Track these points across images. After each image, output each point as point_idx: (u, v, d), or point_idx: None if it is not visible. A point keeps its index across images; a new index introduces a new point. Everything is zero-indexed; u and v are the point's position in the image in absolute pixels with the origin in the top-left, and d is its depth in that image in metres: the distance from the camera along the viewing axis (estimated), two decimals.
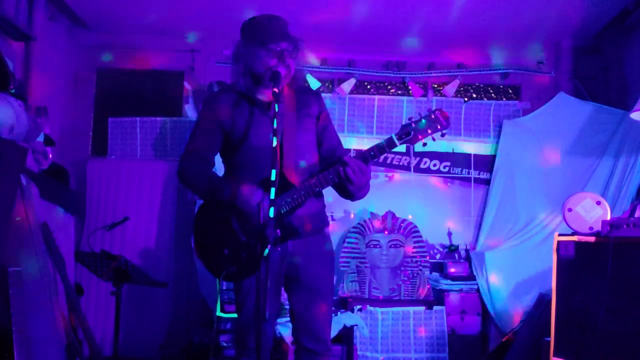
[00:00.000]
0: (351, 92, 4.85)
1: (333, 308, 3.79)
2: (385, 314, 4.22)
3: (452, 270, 4.44)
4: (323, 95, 2.75)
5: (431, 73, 4.90)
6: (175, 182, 4.49)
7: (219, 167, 2.40)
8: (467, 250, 4.65)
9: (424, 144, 2.08)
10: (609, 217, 2.85)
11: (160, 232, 4.55)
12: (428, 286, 4.41)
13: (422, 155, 4.83)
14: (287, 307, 2.33)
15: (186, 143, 2.34)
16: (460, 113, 4.86)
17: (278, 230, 2.06)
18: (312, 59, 4.86)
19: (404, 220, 4.54)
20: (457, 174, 4.85)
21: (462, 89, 4.96)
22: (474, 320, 4.33)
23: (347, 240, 4.53)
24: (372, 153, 2.08)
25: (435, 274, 4.57)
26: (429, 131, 2.05)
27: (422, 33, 4.60)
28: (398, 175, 4.83)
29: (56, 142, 3.53)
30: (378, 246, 4.47)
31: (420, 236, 4.52)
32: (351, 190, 2.14)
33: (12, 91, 2.61)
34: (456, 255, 4.67)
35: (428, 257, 4.54)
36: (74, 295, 2.99)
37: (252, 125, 2.22)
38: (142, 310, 4.36)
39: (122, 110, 4.85)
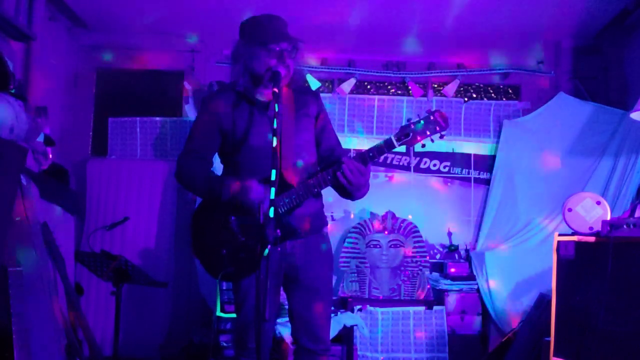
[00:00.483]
0: (351, 92, 4.85)
1: (333, 308, 3.80)
2: (385, 314, 4.22)
3: (452, 270, 4.44)
4: (323, 95, 2.76)
5: (431, 73, 4.90)
6: (175, 182, 4.48)
7: (218, 167, 2.41)
8: (467, 250, 4.65)
9: (423, 145, 2.08)
10: (609, 217, 2.85)
11: (160, 232, 4.55)
12: (428, 286, 4.41)
13: (422, 155, 4.83)
14: (287, 307, 2.33)
15: (184, 142, 2.34)
16: (460, 113, 4.86)
17: (278, 230, 2.07)
18: (312, 60, 4.86)
19: (404, 220, 4.54)
20: (457, 174, 4.85)
21: (462, 89, 4.95)
22: (474, 320, 4.33)
23: (347, 240, 4.53)
24: (370, 154, 2.09)
25: (435, 274, 4.57)
26: (428, 132, 2.05)
27: (422, 33, 4.60)
28: (398, 175, 4.83)
29: (56, 142, 3.53)
30: (378, 246, 4.47)
31: (420, 236, 4.52)
32: (350, 190, 2.15)
33: (12, 91, 2.61)
34: (456, 255, 4.67)
35: (428, 257, 4.54)
36: (74, 295, 2.99)
37: (252, 125, 2.22)
38: (142, 310, 4.36)
39: (122, 110, 4.84)
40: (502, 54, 4.88)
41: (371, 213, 4.56)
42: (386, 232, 4.49)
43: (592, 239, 2.83)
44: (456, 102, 4.88)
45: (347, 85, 4.80)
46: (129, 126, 4.80)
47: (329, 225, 2.41)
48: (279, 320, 3.62)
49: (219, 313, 3.98)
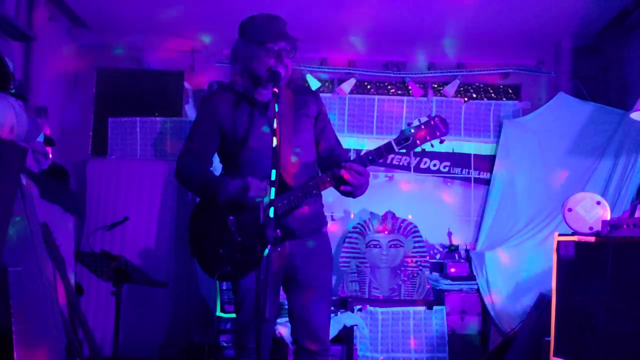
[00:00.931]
0: (351, 92, 4.84)
1: (333, 308, 3.80)
2: (385, 314, 4.22)
3: (452, 270, 4.44)
4: (323, 95, 2.75)
5: (431, 73, 4.90)
6: (175, 182, 4.48)
7: (217, 167, 2.41)
8: (467, 250, 4.65)
9: (422, 150, 2.09)
10: (609, 217, 2.85)
11: (160, 232, 4.55)
12: (428, 286, 4.41)
13: (422, 155, 4.82)
14: (287, 307, 2.33)
15: (184, 142, 2.34)
16: (460, 113, 4.86)
17: (278, 231, 2.07)
18: (312, 60, 4.85)
19: (404, 220, 4.54)
20: (457, 174, 4.85)
21: (462, 89, 4.95)
22: (474, 320, 4.33)
23: (347, 240, 4.53)
24: (370, 157, 2.10)
25: (435, 274, 4.57)
26: (428, 137, 2.06)
27: (422, 33, 4.60)
28: (398, 175, 4.83)
29: (56, 142, 3.53)
30: (378, 246, 4.47)
31: (420, 236, 4.52)
32: (349, 190, 2.16)
33: (12, 91, 2.61)
34: (456, 255, 4.67)
35: (428, 257, 4.54)
36: (74, 295, 2.99)
37: (251, 125, 2.22)
38: (142, 310, 4.36)
39: (122, 110, 4.85)
40: (502, 54, 4.88)
41: (371, 213, 4.56)
42: (386, 232, 4.49)
43: (592, 239, 2.83)
44: (456, 102, 4.88)
45: (347, 85, 4.80)
46: (129, 126, 4.80)
47: (329, 225, 2.42)
48: (279, 320, 3.62)
49: (219, 313, 3.98)
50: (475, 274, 4.43)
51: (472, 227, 4.77)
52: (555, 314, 2.91)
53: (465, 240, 4.72)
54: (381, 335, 4.19)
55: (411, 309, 4.24)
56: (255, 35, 2.18)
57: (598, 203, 2.91)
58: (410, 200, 4.74)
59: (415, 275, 4.43)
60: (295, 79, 2.33)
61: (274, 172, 1.80)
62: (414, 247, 4.49)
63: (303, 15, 4.15)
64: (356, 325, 3.92)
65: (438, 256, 4.75)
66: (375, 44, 4.82)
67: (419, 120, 2.07)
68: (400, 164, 4.83)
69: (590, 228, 2.86)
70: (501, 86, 5.05)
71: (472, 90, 5.05)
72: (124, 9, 4.38)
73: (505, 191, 4.62)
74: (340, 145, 2.43)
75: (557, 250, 2.93)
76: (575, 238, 2.89)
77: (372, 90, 5.03)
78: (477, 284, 4.38)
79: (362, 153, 2.13)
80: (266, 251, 1.74)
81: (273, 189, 1.78)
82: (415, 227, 4.53)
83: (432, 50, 4.89)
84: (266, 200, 2.00)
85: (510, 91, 5.07)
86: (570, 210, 2.93)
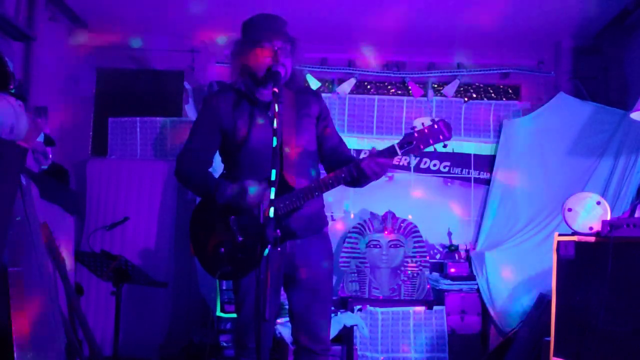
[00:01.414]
0: (351, 92, 4.84)
1: (333, 308, 3.80)
2: (385, 314, 4.22)
3: (452, 270, 4.44)
4: (323, 95, 2.75)
5: (431, 73, 4.90)
6: (175, 182, 4.49)
7: (219, 168, 2.40)
8: (467, 250, 4.65)
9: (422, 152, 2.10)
10: (609, 217, 2.85)
11: (160, 232, 4.55)
12: (428, 286, 4.41)
13: (422, 155, 4.82)
14: (287, 307, 2.33)
15: (185, 141, 2.34)
16: (460, 113, 4.86)
17: (278, 231, 2.07)
18: (312, 60, 4.85)
19: (404, 220, 4.54)
20: (457, 174, 4.85)
21: (462, 89, 4.95)
22: (474, 320, 4.33)
23: (347, 240, 4.52)
24: (355, 168, 2.09)
25: (435, 274, 4.57)
26: (431, 141, 2.06)
27: (422, 33, 4.60)
28: (398, 175, 4.82)
29: (56, 142, 3.53)
30: (378, 246, 4.46)
31: (420, 236, 4.52)
32: (353, 185, 2.21)
33: (12, 91, 2.61)
34: (456, 255, 4.67)
35: (428, 257, 4.54)
36: (74, 295, 2.99)
37: (252, 125, 2.22)
38: (142, 310, 4.36)
39: (122, 110, 4.84)
40: (502, 54, 4.88)
41: (371, 213, 4.56)
42: (386, 232, 4.49)
43: (592, 239, 2.83)
44: (456, 102, 4.88)
45: (347, 85, 4.80)
46: (129, 126, 4.80)
47: (329, 225, 2.42)
48: (279, 320, 3.62)
49: (219, 313, 3.98)
50: (475, 274, 4.43)
51: (472, 227, 4.77)
52: (555, 314, 2.91)
53: (465, 240, 4.72)
54: (381, 335, 4.19)
55: (411, 309, 4.24)
56: (253, 35, 2.19)
57: (598, 203, 2.91)
58: (410, 200, 4.74)
59: (415, 275, 4.43)
60: (297, 80, 2.33)
61: (273, 172, 1.80)
62: (414, 247, 4.48)
63: (303, 15, 4.15)
64: (356, 325, 3.91)
65: (438, 256, 4.75)
66: (375, 44, 4.82)
67: (423, 124, 2.06)
68: (400, 163, 4.82)
69: (590, 228, 2.86)
70: (501, 86, 5.05)
71: (472, 90, 5.05)
72: (124, 9, 4.38)
73: (505, 191, 4.62)
74: (344, 143, 2.43)
75: (557, 250, 2.94)
76: (575, 238, 2.89)
77: (372, 90, 5.03)
78: (477, 284, 4.38)
79: (366, 155, 2.13)
80: (266, 251, 1.74)
81: (273, 189, 1.78)
82: (415, 227, 4.53)
83: (432, 50, 4.88)
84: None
85: (510, 91, 5.07)
86: (570, 210, 2.93)
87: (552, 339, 2.90)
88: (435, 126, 2.05)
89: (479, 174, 4.83)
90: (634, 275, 2.63)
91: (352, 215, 4.73)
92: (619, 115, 4.31)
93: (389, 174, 4.81)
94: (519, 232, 4.48)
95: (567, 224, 2.95)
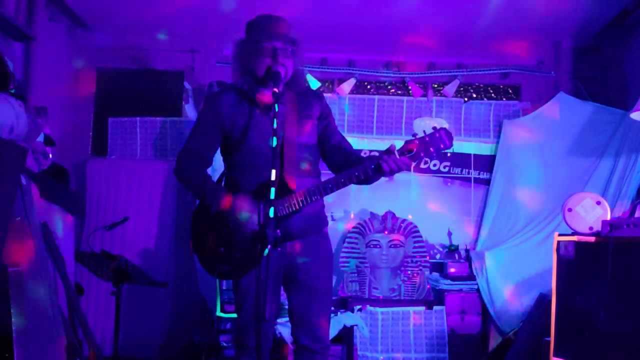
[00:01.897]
0: (351, 92, 4.85)
1: (333, 308, 3.80)
2: (385, 314, 4.22)
3: (452, 270, 4.44)
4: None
5: (431, 73, 4.90)
6: (175, 182, 4.49)
7: (219, 167, 2.41)
8: (467, 250, 4.65)
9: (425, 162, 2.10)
10: (609, 217, 2.85)
11: (160, 232, 4.55)
12: (428, 286, 4.41)
13: None
14: (287, 307, 2.33)
15: (186, 140, 2.34)
16: (460, 113, 4.86)
17: (278, 231, 2.07)
18: (312, 60, 4.85)
19: (404, 220, 4.54)
20: (457, 174, 4.85)
21: (462, 89, 4.95)
22: (474, 320, 4.33)
23: (347, 240, 4.52)
24: (372, 166, 2.10)
25: (435, 274, 4.57)
26: (432, 149, 2.06)
27: (422, 33, 4.60)
28: (398, 175, 4.80)
29: (56, 142, 3.53)
30: (378, 246, 4.46)
31: (420, 236, 4.52)
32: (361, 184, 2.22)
33: (12, 91, 2.61)
34: (456, 255, 4.66)
35: (428, 257, 4.54)
36: (74, 295, 2.99)
37: (253, 125, 2.23)
38: (142, 310, 4.36)
39: (122, 110, 4.84)
40: (502, 54, 4.88)
41: (371, 213, 4.56)
42: (386, 232, 4.49)
43: (592, 239, 2.83)
44: (456, 102, 4.88)
45: (347, 85, 4.80)
46: (129, 126, 4.80)
47: (329, 225, 2.42)
48: (279, 320, 3.62)
49: (219, 313, 3.98)
50: (475, 274, 4.43)
51: (472, 227, 4.77)
52: (555, 314, 2.91)
53: (465, 240, 4.72)
54: (381, 335, 4.19)
55: (411, 309, 4.24)
56: (254, 35, 2.20)
57: (598, 203, 2.91)
58: (410, 200, 4.74)
59: (415, 275, 4.43)
60: (298, 80, 2.33)
61: (273, 172, 1.80)
62: (414, 247, 4.48)
63: (303, 15, 4.15)
64: (356, 325, 3.91)
65: (438, 256, 4.75)
66: (375, 44, 4.82)
67: (424, 132, 2.06)
68: None
69: (590, 228, 2.87)
70: (501, 86, 5.05)
71: (472, 90, 5.05)
72: (124, 9, 4.38)
73: (505, 191, 4.62)
74: (346, 141, 2.42)
75: (557, 250, 2.94)
76: (575, 238, 2.89)
77: (372, 90, 5.03)
78: (477, 284, 4.38)
79: (365, 163, 2.13)
80: (266, 251, 1.74)
81: (273, 189, 1.78)
82: (415, 227, 4.53)
83: (432, 50, 4.88)
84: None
85: (510, 91, 5.07)
86: (570, 210, 2.93)
87: (552, 339, 2.90)
88: (437, 134, 2.04)
89: (479, 174, 4.83)
90: (634, 275, 2.63)
91: (352, 215, 4.73)
92: (619, 115, 4.32)
93: None
94: (519, 232, 4.48)
95: (567, 224, 2.95)
